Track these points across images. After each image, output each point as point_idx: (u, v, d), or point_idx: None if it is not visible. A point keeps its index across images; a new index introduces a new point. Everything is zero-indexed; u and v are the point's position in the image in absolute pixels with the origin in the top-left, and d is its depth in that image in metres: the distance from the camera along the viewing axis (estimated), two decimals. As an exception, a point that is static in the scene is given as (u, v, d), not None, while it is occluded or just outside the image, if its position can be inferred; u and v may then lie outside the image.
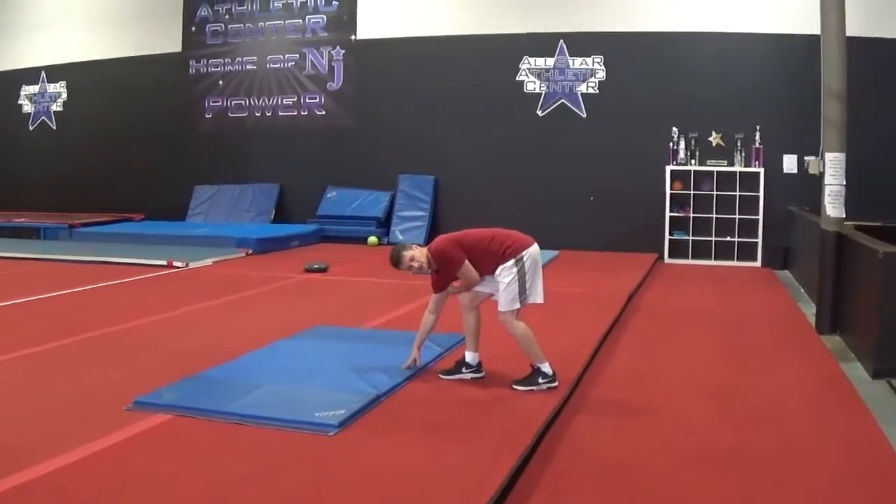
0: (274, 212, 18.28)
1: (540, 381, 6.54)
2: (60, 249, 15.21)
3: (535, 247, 6.67)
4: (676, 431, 5.89)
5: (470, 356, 6.87)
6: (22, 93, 21.57)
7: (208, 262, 14.02)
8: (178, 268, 13.47)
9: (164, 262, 13.68)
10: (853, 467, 5.25)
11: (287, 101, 18.49)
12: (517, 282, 6.52)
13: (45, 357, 7.61)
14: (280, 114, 18.59)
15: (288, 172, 18.40)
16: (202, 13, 19.27)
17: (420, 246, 6.87)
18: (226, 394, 6.11)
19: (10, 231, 17.91)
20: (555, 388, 6.54)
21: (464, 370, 6.82)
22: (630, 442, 5.68)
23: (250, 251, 15.19)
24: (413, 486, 4.65)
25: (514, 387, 6.54)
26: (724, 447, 5.57)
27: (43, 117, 21.26)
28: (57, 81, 21.07)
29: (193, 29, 19.34)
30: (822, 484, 4.98)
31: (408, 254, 6.65)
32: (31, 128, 21.43)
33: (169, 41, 19.42)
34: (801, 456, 5.44)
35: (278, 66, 18.59)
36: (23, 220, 18.64)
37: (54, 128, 21.13)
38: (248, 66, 18.85)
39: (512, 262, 6.53)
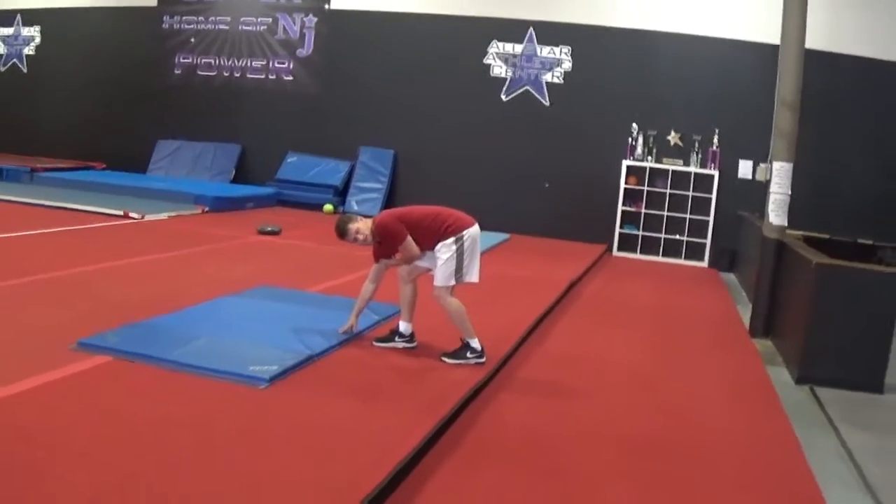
0: (234, 172, 18.38)
1: (468, 355, 6.81)
2: (20, 192, 15.15)
3: (476, 227, 6.90)
4: (597, 416, 6.16)
5: (403, 326, 7.11)
6: None
7: (164, 216, 14.11)
8: (134, 219, 13.54)
9: (120, 213, 13.75)
10: (761, 465, 5.55)
11: (256, 63, 18.54)
12: (455, 259, 6.74)
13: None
14: (248, 76, 18.62)
15: (251, 134, 18.50)
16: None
17: (365, 218, 7.07)
18: (167, 342, 6.31)
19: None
20: (482, 363, 6.80)
21: (397, 339, 7.08)
22: (549, 422, 5.93)
23: (207, 209, 15.31)
24: (333, 442, 4.90)
25: (443, 359, 6.81)
26: (640, 435, 5.84)
27: (14, 60, 21.08)
28: (31, 25, 20.89)
29: (168, -17, 19.39)
30: (727, 478, 5.26)
31: (353, 226, 6.86)
32: (1, 69, 21.31)
33: (142, -6, 19.49)
34: (712, 450, 5.72)
35: (251, 28, 18.61)
36: (-27, 160, 18.54)
37: (25, 71, 20.97)
38: (220, 26, 18.84)
39: (452, 239, 6.75)
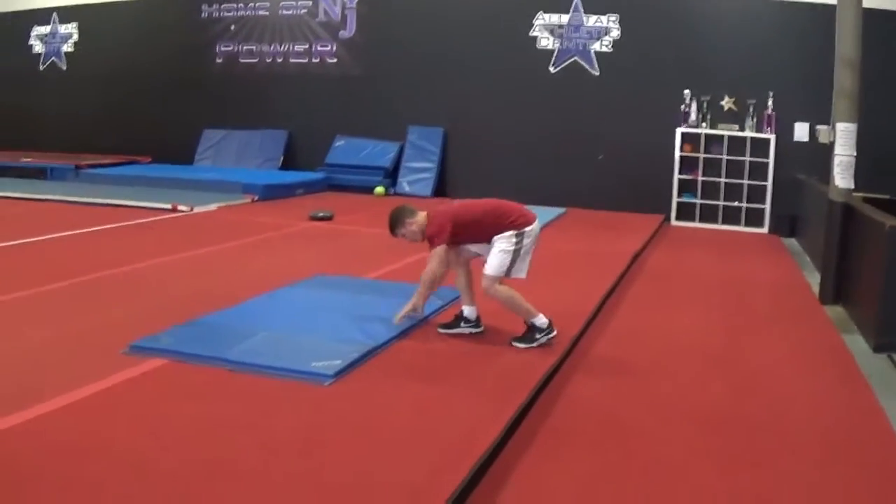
0: (282, 158, 18.20)
1: (537, 336, 6.52)
2: (66, 190, 15.12)
3: (537, 224, 6.66)
4: (672, 393, 5.88)
5: (468, 310, 6.83)
6: (33, 33, 21.40)
7: (213, 206, 13.96)
8: (183, 212, 13.43)
9: (168, 206, 13.62)
10: (846, 437, 5.23)
11: (298, 48, 18.32)
12: (511, 254, 6.47)
13: (45, 298, 7.62)
14: (291, 60, 18.41)
15: (297, 120, 18.29)
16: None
17: (422, 212, 6.78)
18: (223, 340, 6.09)
19: (16, 171, 17.80)
20: (553, 337, 6.54)
21: (462, 325, 6.80)
22: (625, 401, 5.67)
23: (256, 197, 15.13)
24: (406, 438, 4.65)
25: (514, 344, 6.52)
26: (718, 410, 5.56)
27: (53, 58, 21.12)
28: (69, 22, 20.90)
29: (205, -29, 19.20)
30: (812, 451, 4.97)
31: (409, 221, 6.66)
32: (41, 68, 21.30)
33: (181, -15, 19.30)
34: (794, 422, 5.42)
35: (291, 12, 18.40)
36: (29, 160, 18.55)
37: (64, 69, 21.00)
38: (260, 12, 18.66)
39: (512, 233, 6.49)
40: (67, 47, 20.95)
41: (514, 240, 6.47)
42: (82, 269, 8.80)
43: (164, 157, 19.07)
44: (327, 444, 4.54)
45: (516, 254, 6.48)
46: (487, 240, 6.55)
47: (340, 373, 5.52)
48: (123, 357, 5.80)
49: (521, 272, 6.58)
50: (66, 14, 20.90)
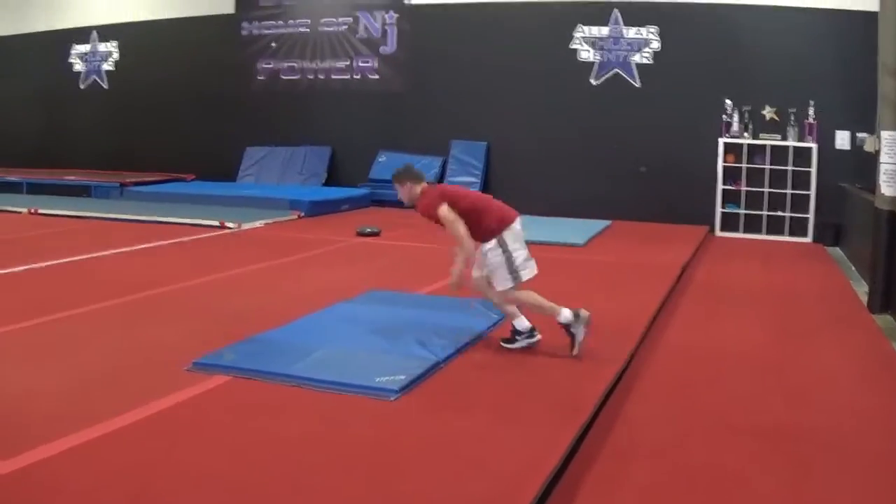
0: (326, 175, 18.33)
1: (571, 329, 6.61)
2: (111, 208, 15.33)
3: (516, 222, 6.74)
4: (729, 407, 5.88)
5: (519, 324, 6.85)
6: (73, 52, 21.63)
7: (260, 223, 14.09)
8: (231, 229, 13.55)
9: (216, 223, 13.77)
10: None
11: (340, 64, 18.47)
12: (505, 262, 6.61)
13: (100, 316, 7.68)
14: (333, 77, 18.57)
15: (340, 136, 18.42)
16: (254, -26, 19.28)
17: (430, 185, 6.97)
18: (285, 356, 6.15)
19: (60, 189, 18.06)
20: (586, 318, 6.60)
21: (518, 338, 6.83)
22: (684, 416, 5.67)
23: (302, 213, 15.24)
24: (474, 454, 4.68)
25: (574, 349, 6.60)
26: (776, 423, 5.56)
27: (94, 76, 21.37)
28: (108, 41, 21.15)
29: (246, -10, 19.39)
30: (876, 461, 4.97)
31: (411, 185, 6.86)
32: (81, 87, 21.55)
33: (221, 2, 19.48)
34: (855, 433, 5.40)
35: (331, 29, 18.55)
36: (73, 178, 18.77)
37: (106, 87, 21.24)
38: (300, 29, 18.83)
39: (494, 242, 6.61)
40: (108, 66, 21.19)
41: (498, 249, 6.60)
42: (134, 286, 8.86)
43: (207, 175, 19.29)
44: (398, 459, 4.59)
45: (509, 260, 6.60)
46: (479, 240, 6.66)
47: (405, 388, 5.58)
48: (187, 374, 5.86)
49: (528, 271, 6.70)
50: (106, 32, 21.15)
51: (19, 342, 6.79)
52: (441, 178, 17.19)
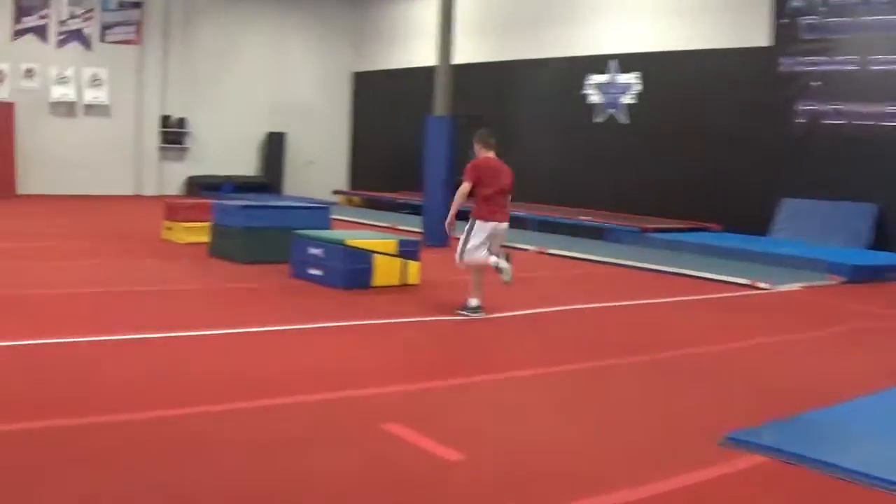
0: (870, 236, 16.32)
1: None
2: (629, 254, 14.87)
3: (503, 226, 9.16)
4: None
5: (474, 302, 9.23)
6: (587, 82, 21.12)
7: (796, 286, 12.74)
8: (763, 289, 12.37)
9: (744, 281, 12.70)
10: None
11: (892, 108, 16.39)
12: (463, 237, 9.07)
13: (616, 373, 7.42)
14: (884, 123, 16.51)
15: (891, 192, 16.35)
16: (795, 3, 17.54)
17: (487, 153, 9.23)
18: (831, 443, 5.37)
19: (572, 229, 17.95)
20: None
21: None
22: None
23: (842, 279, 13.54)
24: None
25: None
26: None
27: (611, 110, 20.65)
28: (629, 72, 20.28)
29: (785, 21, 17.76)
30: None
31: (478, 148, 9.29)
32: (596, 120, 20.93)
33: (755, 34, 18.01)
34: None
35: (884, 67, 16.56)
36: (587, 218, 18.51)
37: (624, 122, 20.43)
38: (847, 67, 17.01)
39: (479, 223, 9.00)
40: (628, 99, 20.36)
41: (465, 226, 9.13)
42: (654, 343, 8.50)
43: (735, 226, 17.89)
44: None
45: (464, 240, 9.04)
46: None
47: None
48: (719, 449, 5.29)
49: (476, 255, 8.99)
50: (626, 62, 20.27)
51: (528, 389, 6.76)
52: None
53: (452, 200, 9.14)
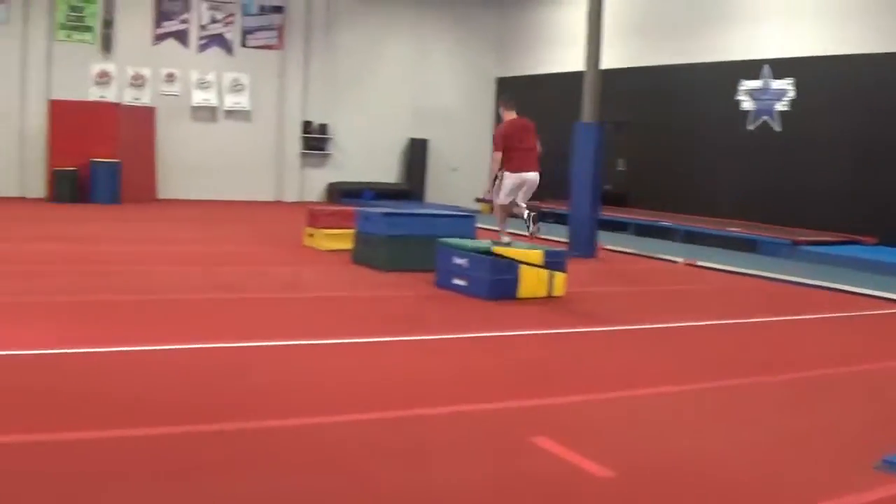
0: None
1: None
2: (780, 268, 14.48)
3: (532, 175, 11.27)
4: None
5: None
6: (740, 87, 20.37)
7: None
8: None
9: (900, 298, 12.28)
10: None
11: None
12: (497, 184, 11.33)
13: (763, 391, 7.20)
14: None
15: None
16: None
17: (513, 117, 11.54)
18: None
19: (722, 240, 17.61)
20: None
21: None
22: None
23: None
24: None
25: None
26: None
27: (765, 117, 19.86)
28: (783, 77, 19.48)
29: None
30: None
31: (504, 111, 11.74)
32: (748, 127, 20.18)
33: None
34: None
35: None
36: (737, 230, 18.13)
37: (778, 130, 19.62)
38: None
39: (506, 173, 11.18)
40: (782, 106, 19.53)
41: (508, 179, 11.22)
42: (802, 361, 8.34)
43: (893, 239, 17.12)
44: None
45: (498, 187, 11.32)
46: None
47: None
48: (875, 473, 5.10)
49: (505, 200, 11.33)
50: (780, 67, 19.49)
51: (673, 405, 6.67)
52: None
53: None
